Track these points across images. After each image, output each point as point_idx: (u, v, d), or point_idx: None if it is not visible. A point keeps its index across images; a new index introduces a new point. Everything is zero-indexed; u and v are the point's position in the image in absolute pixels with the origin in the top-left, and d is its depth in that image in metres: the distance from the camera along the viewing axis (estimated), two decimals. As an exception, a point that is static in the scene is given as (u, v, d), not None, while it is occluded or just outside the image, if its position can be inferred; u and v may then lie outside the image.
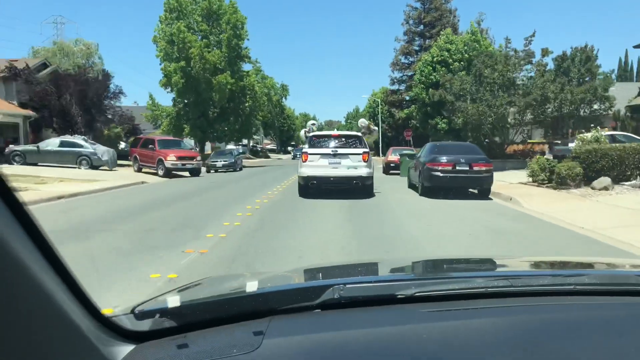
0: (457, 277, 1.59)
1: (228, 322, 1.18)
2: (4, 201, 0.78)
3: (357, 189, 13.59)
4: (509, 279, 1.42)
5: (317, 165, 13.30)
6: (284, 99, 71.06)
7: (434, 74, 36.85)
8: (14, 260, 0.76)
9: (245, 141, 61.51)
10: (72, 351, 0.89)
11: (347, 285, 1.29)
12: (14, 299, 0.77)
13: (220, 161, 30.61)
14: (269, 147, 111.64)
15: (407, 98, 48.13)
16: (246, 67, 43.10)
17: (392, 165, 25.72)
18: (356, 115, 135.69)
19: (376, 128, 28.45)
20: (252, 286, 1.42)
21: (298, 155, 19.18)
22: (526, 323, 1.14)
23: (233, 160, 31.02)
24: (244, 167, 36.06)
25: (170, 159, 24.56)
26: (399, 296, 1.26)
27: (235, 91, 40.57)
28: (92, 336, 0.94)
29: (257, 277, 1.80)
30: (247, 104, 41.84)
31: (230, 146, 47.58)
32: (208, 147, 46.58)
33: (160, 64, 39.36)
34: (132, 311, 1.19)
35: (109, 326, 1.06)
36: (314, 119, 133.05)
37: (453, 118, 29.87)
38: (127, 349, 1.05)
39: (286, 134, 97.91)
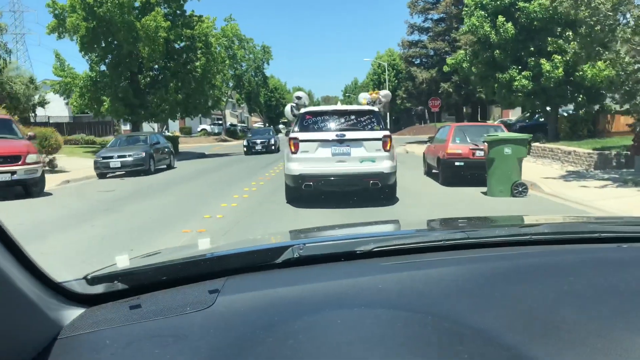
0: (416, 233, 1.61)
1: (183, 283, 1.15)
2: None
3: (372, 192, 9.02)
4: (466, 231, 1.46)
5: (314, 158, 8.82)
6: (266, 64, 56.65)
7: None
8: None
9: (212, 121, 47.69)
10: (17, 317, 0.86)
11: (307, 245, 1.29)
12: None
13: (117, 158, 16.68)
14: (256, 125, 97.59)
15: (432, 53, 33.86)
16: (197, 9, 28.71)
17: (460, 161, 11.56)
18: (355, 88, 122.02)
19: (387, 94, 12.78)
20: (209, 249, 1.50)
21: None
22: (482, 271, 1.15)
23: (142, 156, 17.12)
24: (187, 158, 22.17)
25: None
26: (358, 252, 1.26)
27: (176, 42, 26.56)
28: (39, 301, 0.92)
29: (220, 243, 1.82)
30: (197, 64, 27.74)
31: (157, 128, 34.25)
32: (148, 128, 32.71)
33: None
34: (85, 277, 1.15)
35: (60, 292, 1.04)
36: (309, 94, 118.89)
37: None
38: (77, 312, 1.03)
39: (274, 109, 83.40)
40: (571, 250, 1.33)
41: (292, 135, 9.28)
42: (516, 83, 17.42)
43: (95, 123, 54.70)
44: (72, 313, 1.02)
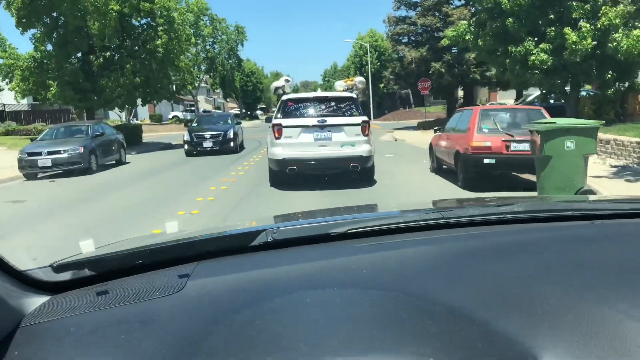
0: (391, 214, 1.62)
1: (154, 269, 1.12)
2: None
3: (352, 174, 9.63)
4: (440, 211, 1.44)
5: (297, 143, 9.32)
6: (240, 46, 52.82)
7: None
8: None
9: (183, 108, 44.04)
10: None
11: (280, 229, 1.26)
12: None
13: (47, 155, 13.34)
14: (233, 111, 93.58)
15: (420, 30, 30.79)
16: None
17: (490, 157, 8.42)
18: (335, 73, 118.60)
19: (362, 80, 13.82)
20: (180, 235, 1.48)
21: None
22: (456, 250, 1.15)
23: (79, 151, 13.81)
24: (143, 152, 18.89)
25: None
26: (333, 234, 1.25)
27: (133, 17, 23.07)
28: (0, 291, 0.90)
29: (195, 230, 1.72)
30: (158, 42, 24.25)
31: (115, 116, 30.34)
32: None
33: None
34: (51, 265, 1.10)
35: (23, 280, 1.01)
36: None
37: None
38: (41, 300, 1.00)
39: (251, 95, 79.62)
40: (545, 227, 1.33)
41: (275, 121, 9.58)
42: (533, 58, 14.52)
43: (58, 111, 50.46)
44: (36, 301, 1.00)
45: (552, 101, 16.98)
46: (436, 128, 11.10)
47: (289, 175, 9.61)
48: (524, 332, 0.77)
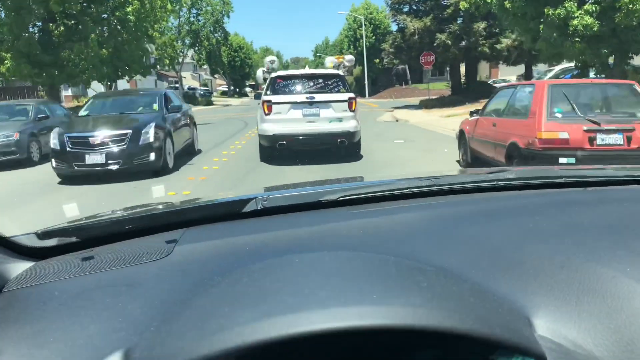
0: (383, 182, 1.61)
1: (141, 236, 1.12)
2: None
3: (339, 149, 9.89)
4: (432, 179, 1.44)
5: (286, 119, 9.52)
6: (226, 17, 49.32)
7: None
8: None
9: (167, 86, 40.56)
10: None
11: (271, 197, 1.26)
12: None
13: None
14: (220, 88, 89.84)
15: (426, -4, 27.85)
16: None
17: (568, 154, 5.57)
18: (326, 48, 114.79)
19: (351, 59, 14.74)
20: (170, 203, 1.44)
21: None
22: (447, 214, 1.15)
23: (13, 139, 10.95)
24: None
25: None
26: (324, 201, 1.25)
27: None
28: None
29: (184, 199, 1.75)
30: (129, 9, 21.20)
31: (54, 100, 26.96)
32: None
33: None
34: (35, 232, 1.10)
35: (6, 246, 1.01)
36: (277, 55, 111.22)
37: None
38: (25, 265, 0.99)
39: (239, 71, 76.03)
40: (537, 194, 1.33)
41: (265, 98, 9.79)
42: (575, 22, 11.86)
43: (32, 88, 47.15)
44: (19, 266, 0.99)
45: (592, 75, 14.31)
46: (473, 110, 8.40)
47: (277, 150, 9.77)
48: (515, 290, 0.77)
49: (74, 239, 1.10)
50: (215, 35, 49.78)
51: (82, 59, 19.65)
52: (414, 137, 14.25)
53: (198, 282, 0.85)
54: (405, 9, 28.75)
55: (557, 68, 20.00)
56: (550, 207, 1.17)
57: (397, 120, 23.61)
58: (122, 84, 55.82)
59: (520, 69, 46.12)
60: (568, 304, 0.74)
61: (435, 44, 26.21)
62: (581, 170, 1.81)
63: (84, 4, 20.68)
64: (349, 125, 9.71)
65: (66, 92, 52.24)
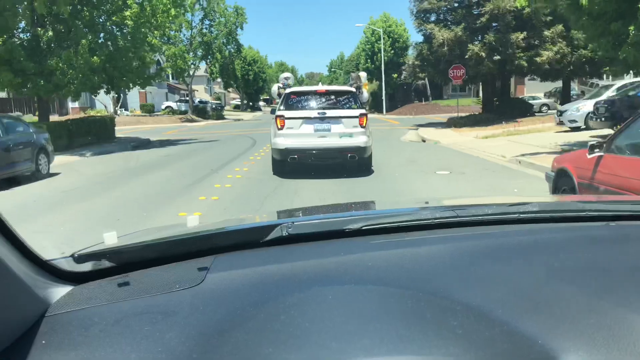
0: (405, 211, 1.63)
1: (172, 261, 1.15)
2: None
3: (351, 164, 10.10)
4: (455, 209, 1.46)
5: (298, 134, 9.84)
6: (239, 29, 47.07)
7: None
8: None
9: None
10: (4, 294, 0.86)
11: (295, 223, 1.28)
12: None
13: None
14: (234, 102, 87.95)
15: (455, 4, 25.24)
16: None
17: None
18: (341, 63, 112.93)
19: (364, 76, 14.00)
20: (197, 227, 1.53)
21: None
22: (471, 249, 1.15)
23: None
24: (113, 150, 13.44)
25: None
26: (347, 230, 1.27)
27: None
28: (26, 279, 0.92)
29: (209, 222, 1.89)
30: (127, 13, 18.90)
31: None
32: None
33: None
34: (72, 255, 1.15)
35: (49, 270, 1.03)
36: (292, 70, 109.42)
37: None
38: (64, 290, 1.02)
39: (253, 84, 74.06)
40: (560, 228, 1.33)
41: (278, 113, 10.15)
42: None
43: (41, 99, 45.41)
44: (60, 291, 1.01)
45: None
46: (593, 143, 5.48)
47: (289, 163, 9.96)
48: (544, 333, 0.77)
49: (109, 264, 1.12)
50: (228, 47, 47.62)
51: (70, 66, 17.28)
52: (459, 166, 11.52)
53: (232, 313, 0.87)
54: (433, 18, 26.19)
55: (618, 83, 17.20)
56: (573, 244, 1.17)
57: (424, 141, 20.93)
58: (133, 96, 54.16)
59: (546, 85, 43.37)
60: (598, 351, 0.72)
61: (466, 56, 23.58)
62: (602, 203, 1.77)
63: (76, 6, 18.43)
64: (359, 140, 9.83)
65: (73, 105, 50.61)
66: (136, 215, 7.20)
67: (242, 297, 0.93)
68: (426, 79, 50.07)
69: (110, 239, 1.26)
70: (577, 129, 18.51)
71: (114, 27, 19.45)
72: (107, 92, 21.07)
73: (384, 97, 49.69)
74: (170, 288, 0.99)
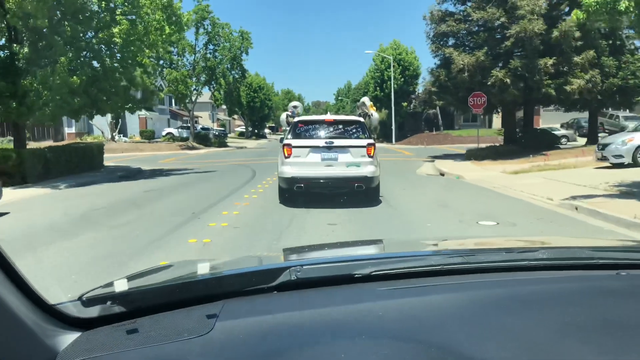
0: (413, 256, 1.61)
1: (180, 306, 1.14)
2: None
3: (357, 194, 9.89)
4: (464, 256, 1.44)
5: (305, 163, 9.77)
6: (244, 54, 45.31)
7: None
8: None
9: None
10: (12, 343, 0.86)
11: (304, 267, 1.28)
12: None
13: None
14: (239, 129, 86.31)
15: (476, 28, 23.24)
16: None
17: None
18: (348, 92, 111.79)
19: (366, 99, 14.25)
20: (205, 270, 1.56)
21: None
22: (481, 298, 1.14)
23: None
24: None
25: None
26: (356, 275, 1.25)
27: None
28: (34, 327, 0.92)
29: (215, 262, 1.83)
30: (115, 30, 16.93)
31: None
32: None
33: None
34: (79, 298, 1.13)
35: (55, 315, 1.03)
36: (298, 98, 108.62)
37: None
38: (72, 336, 1.01)
39: (259, 112, 72.38)
40: (570, 277, 1.31)
41: (285, 141, 10.01)
42: None
43: (17, 124, 43.52)
44: (68, 338, 1.00)
45: None
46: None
47: (295, 192, 9.82)
48: None
49: (117, 309, 1.10)
50: (233, 72, 45.89)
51: (45, 87, 15.21)
52: (503, 213, 9.16)
53: None
54: (450, 42, 24.18)
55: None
56: (585, 296, 1.15)
57: (442, 175, 18.69)
58: (133, 121, 52.34)
59: (561, 116, 41.21)
60: None
61: (489, 83, 21.47)
62: (612, 251, 1.71)
63: (60, 21, 16.51)
64: (366, 170, 9.72)
65: (69, 130, 48.82)
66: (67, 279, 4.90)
67: (251, 347, 0.93)
68: (437, 108, 48.36)
69: (120, 286, 1.21)
70: (621, 165, 16.23)
71: (102, 46, 17.46)
72: (91, 117, 18.94)
73: (393, 126, 47.69)
74: (180, 337, 0.97)
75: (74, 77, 15.63)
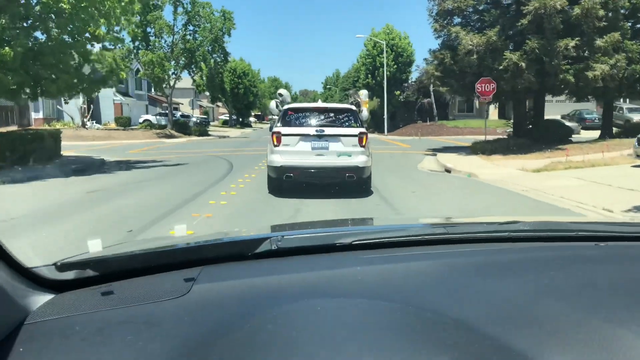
0: (396, 227, 1.63)
1: (158, 272, 1.12)
2: None
3: (349, 184, 9.65)
4: (445, 227, 1.46)
5: (295, 151, 9.47)
6: (227, 36, 41.98)
7: None
8: None
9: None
10: None
11: (285, 237, 1.27)
12: None
13: None
14: (223, 117, 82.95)
15: (489, 4, 20.57)
16: None
17: None
18: (336, 81, 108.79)
19: (365, 93, 15.65)
20: (186, 239, 1.48)
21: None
22: (461, 265, 1.15)
23: None
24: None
25: None
26: (337, 244, 1.26)
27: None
28: (5, 285, 0.89)
29: (195, 235, 1.81)
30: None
31: None
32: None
33: None
34: (55, 263, 1.10)
35: (29, 277, 1.00)
36: (286, 86, 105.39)
37: None
38: (45, 298, 1.00)
39: (243, 99, 69.11)
40: (550, 247, 1.33)
41: (275, 129, 9.75)
42: None
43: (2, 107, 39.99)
44: (41, 299, 0.99)
45: None
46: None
47: (285, 182, 9.64)
48: (534, 348, 0.77)
49: (92, 273, 1.09)
50: (214, 55, 42.72)
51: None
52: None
53: (218, 324, 0.84)
54: (456, 21, 21.49)
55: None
56: (564, 263, 1.17)
57: (448, 171, 16.13)
58: (107, 107, 48.97)
59: (561, 106, 38.89)
60: None
61: (501, 67, 18.84)
62: (591, 224, 1.76)
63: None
64: (358, 160, 9.46)
65: (36, 115, 45.31)
66: None
67: (228, 308, 0.92)
68: (432, 96, 45.76)
69: (95, 247, 1.22)
70: (663, 162, 13.82)
71: (46, 14, 14.45)
72: (34, 98, 15.92)
73: (385, 116, 45.04)
74: (156, 298, 0.96)
75: (6, 48, 12.66)
